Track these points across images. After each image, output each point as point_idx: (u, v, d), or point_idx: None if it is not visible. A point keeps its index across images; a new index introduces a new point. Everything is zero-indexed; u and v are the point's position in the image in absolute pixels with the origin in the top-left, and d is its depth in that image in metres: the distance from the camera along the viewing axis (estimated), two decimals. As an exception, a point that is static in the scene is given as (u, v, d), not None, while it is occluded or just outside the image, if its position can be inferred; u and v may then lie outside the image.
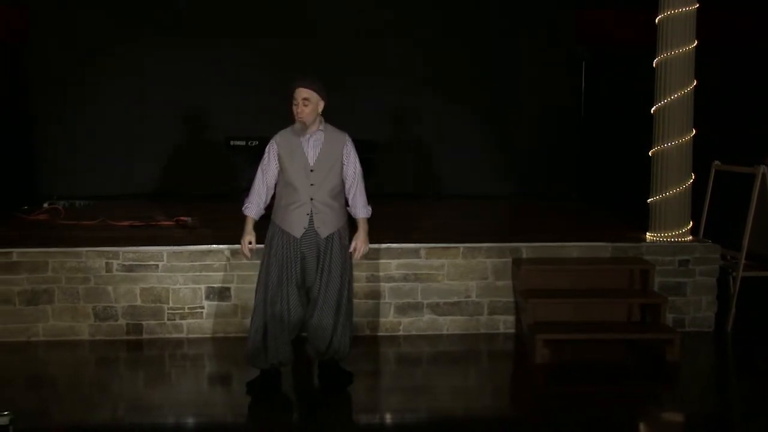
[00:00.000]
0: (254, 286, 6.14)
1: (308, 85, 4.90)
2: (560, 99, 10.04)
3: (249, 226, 5.10)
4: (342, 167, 4.99)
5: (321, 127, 4.99)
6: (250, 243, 5.10)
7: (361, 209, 5.09)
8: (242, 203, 5.14)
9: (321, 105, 4.96)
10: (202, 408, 5.00)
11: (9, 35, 9.69)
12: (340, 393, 5.09)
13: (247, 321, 6.19)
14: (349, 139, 5.05)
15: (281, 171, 5.00)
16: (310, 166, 4.93)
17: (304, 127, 4.94)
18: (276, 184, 5.05)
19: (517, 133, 9.88)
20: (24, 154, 9.70)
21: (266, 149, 5.05)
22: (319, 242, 4.95)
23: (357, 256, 5.08)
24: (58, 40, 9.62)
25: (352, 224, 5.14)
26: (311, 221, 4.92)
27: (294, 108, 4.92)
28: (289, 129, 5.03)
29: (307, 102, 4.88)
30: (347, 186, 5.04)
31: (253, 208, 5.07)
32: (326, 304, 4.97)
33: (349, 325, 5.10)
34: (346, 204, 5.10)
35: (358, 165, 5.04)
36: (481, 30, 9.89)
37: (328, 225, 4.95)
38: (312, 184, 4.91)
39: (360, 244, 5.06)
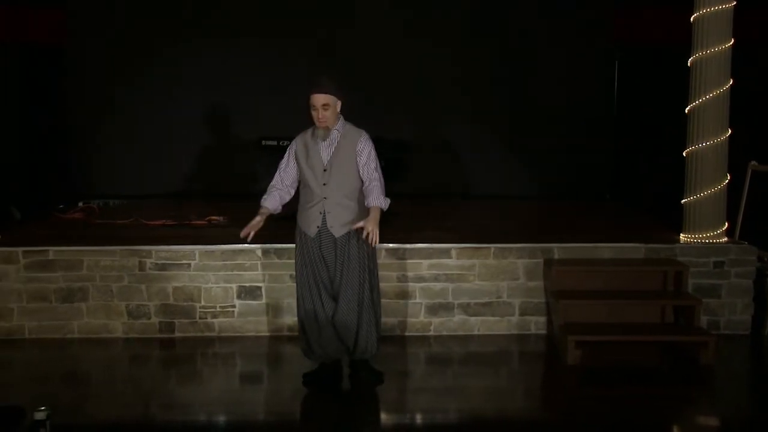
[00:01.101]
0: (284, 285, 6.23)
1: (325, 90, 4.87)
2: (593, 98, 9.95)
3: (260, 211, 5.06)
4: (357, 165, 4.97)
5: (337, 127, 4.97)
6: (256, 219, 5.02)
7: (374, 198, 4.90)
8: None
9: (338, 105, 4.95)
10: (233, 406, 5.03)
11: (46, 36, 9.84)
12: (371, 392, 5.09)
13: (278, 320, 6.26)
14: (365, 137, 5.01)
15: (299, 171, 5.04)
16: (323, 165, 4.94)
17: (328, 132, 4.94)
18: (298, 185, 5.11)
19: (549, 133, 9.80)
20: (59, 154, 9.85)
21: (287, 150, 5.13)
22: (336, 241, 4.95)
23: (371, 241, 4.80)
24: (93, 41, 9.75)
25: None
26: (324, 220, 4.93)
27: (314, 114, 4.90)
28: (309, 130, 5.06)
29: (327, 107, 4.87)
30: (364, 183, 4.98)
31: (268, 199, 5.09)
32: (346, 303, 4.98)
33: (375, 324, 5.09)
34: None
35: (373, 162, 4.96)
36: (515, 29, 9.83)
37: (342, 224, 4.94)
38: (324, 184, 4.92)
39: (369, 225, 4.79)
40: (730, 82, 6.34)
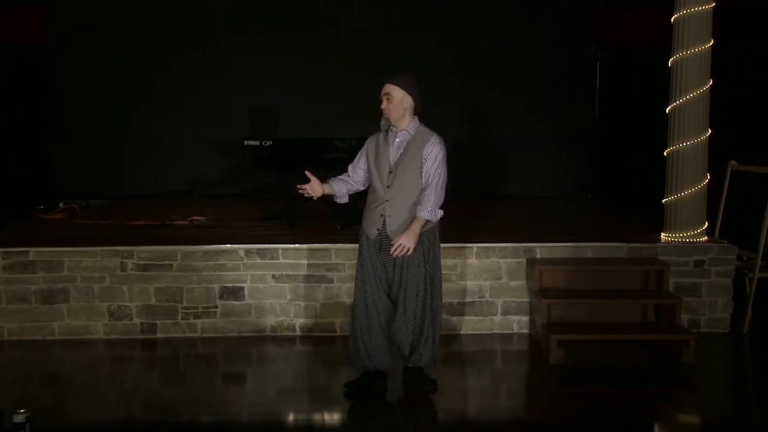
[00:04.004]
0: (267, 285, 6.22)
1: (391, 80, 4.78)
2: (575, 98, 9.98)
3: (326, 182, 4.98)
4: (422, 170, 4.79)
5: (408, 128, 4.83)
6: (319, 184, 4.89)
7: (421, 209, 4.72)
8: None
9: (407, 101, 4.78)
10: (216, 407, 5.01)
11: (25, 35, 9.77)
12: (357, 392, 5.08)
13: (261, 320, 6.24)
14: (435, 140, 4.80)
15: (368, 171, 4.92)
16: (390, 167, 4.81)
17: (388, 123, 4.84)
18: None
19: (531, 132, 9.82)
20: (40, 153, 9.77)
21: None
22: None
23: (392, 250, 4.68)
24: (73, 40, 9.67)
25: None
26: (384, 223, 4.79)
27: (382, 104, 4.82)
28: (383, 131, 4.93)
29: (389, 97, 4.75)
30: (424, 187, 4.78)
31: (335, 180, 4.97)
32: (405, 310, 4.85)
33: (432, 333, 4.95)
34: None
35: (437, 167, 4.76)
36: (496, 28, 9.84)
37: (402, 229, 4.76)
38: (388, 186, 4.78)
39: (401, 238, 4.66)
40: (710, 83, 6.39)
